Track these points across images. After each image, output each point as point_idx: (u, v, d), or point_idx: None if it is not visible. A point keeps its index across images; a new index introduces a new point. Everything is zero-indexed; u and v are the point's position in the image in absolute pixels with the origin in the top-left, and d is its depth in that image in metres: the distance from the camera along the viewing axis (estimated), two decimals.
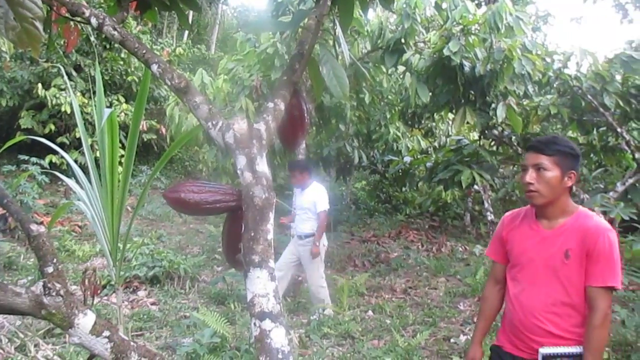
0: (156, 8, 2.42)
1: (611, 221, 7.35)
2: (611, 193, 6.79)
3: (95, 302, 5.07)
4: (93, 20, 1.66)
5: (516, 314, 2.09)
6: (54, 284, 1.16)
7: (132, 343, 1.29)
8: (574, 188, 6.57)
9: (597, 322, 1.92)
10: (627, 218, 4.78)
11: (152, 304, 5.72)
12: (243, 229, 1.37)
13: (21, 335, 4.31)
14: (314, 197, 5.40)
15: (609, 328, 1.99)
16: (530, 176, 1.98)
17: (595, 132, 7.55)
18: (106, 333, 1.24)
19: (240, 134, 1.40)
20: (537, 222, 2.09)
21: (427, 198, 11.39)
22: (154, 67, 1.55)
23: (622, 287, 5.36)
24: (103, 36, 11.60)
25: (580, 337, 1.98)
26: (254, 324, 1.29)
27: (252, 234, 1.34)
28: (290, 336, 4.44)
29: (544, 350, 1.99)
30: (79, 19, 1.81)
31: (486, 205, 11.49)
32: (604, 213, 6.24)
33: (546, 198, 1.99)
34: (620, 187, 6.97)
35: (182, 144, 4.12)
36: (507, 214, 2.31)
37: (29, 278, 6.16)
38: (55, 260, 1.20)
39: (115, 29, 1.62)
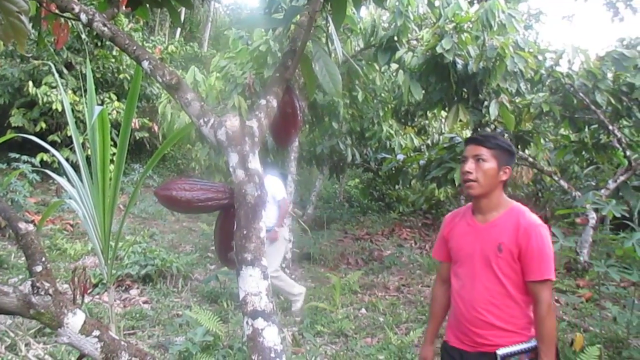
0: (147, 4, 2.40)
1: (603, 218, 7.41)
2: (603, 190, 6.83)
3: (87, 301, 5.04)
4: (83, 17, 1.63)
5: (459, 308, 2.16)
6: (43, 282, 1.14)
7: (122, 342, 1.27)
8: (567, 186, 6.57)
9: (543, 312, 2.01)
10: (619, 215, 4.80)
11: (145, 302, 5.70)
12: (235, 226, 1.36)
13: (12, 335, 4.27)
14: (270, 190, 5.25)
15: (556, 317, 2.10)
16: (470, 166, 2.08)
17: (587, 129, 7.59)
18: (96, 332, 1.22)
19: (233, 131, 1.39)
20: (473, 217, 2.18)
21: (420, 196, 11.41)
22: (145, 64, 1.53)
23: (614, 284, 5.41)
24: (94, 33, 11.52)
25: (519, 329, 2.07)
26: (247, 322, 1.28)
27: (245, 232, 1.33)
28: (283, 334, 4.43)
29: (501, 352, 2.05)
30: (68, 15, 1.78)
31: None
32: (596, 210, 6.28)
33: (482, 188, 2.08)
34: (611, 185, 7.00)
35: (174, 142, 4.11)
36: (448, 214, 2.42)
37: (20, 277, 6.11)
38: (44, 259, 1.19)
39: (105, 25, 1.60)
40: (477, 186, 2.08)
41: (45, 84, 10.96)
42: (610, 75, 6.60)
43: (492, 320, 2.06)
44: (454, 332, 2.22)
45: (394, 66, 7.04)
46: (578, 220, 6.90)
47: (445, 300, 2.36)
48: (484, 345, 2.08)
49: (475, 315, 2.09)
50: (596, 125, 7.38)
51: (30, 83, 10.80)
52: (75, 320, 1.20)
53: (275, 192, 5.42)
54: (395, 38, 5.97)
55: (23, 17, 0.87)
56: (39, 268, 1.17)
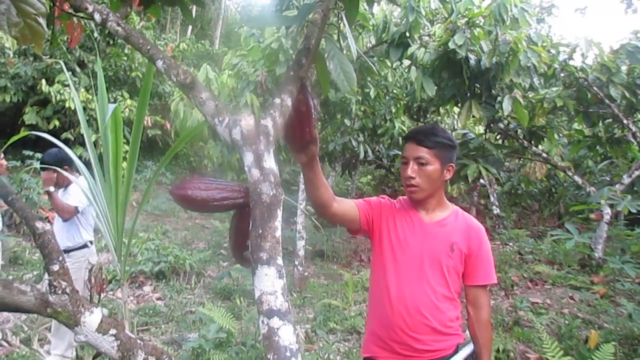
0: (160, 3, 2.40)
1: (617, 214, 7.33)
2: (617, 185, 6.76)
3: (103, 295, 5.09)
4: (97, 16, 1.64)
5: (398, 313, 1.96)
6: (60, 282, 1.15)
7: (138, 341, 1.28)
8: (581, 181, 6.50)
9: (486, 317, 2.02)
10: (634, 211, 4.74)
11: (158, 299, 5.74)
12: (251, 226, 1.36)
13: (26, 329, 4.32)
14: (76, 196, 4.13)
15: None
16: (412, 169, 1.96)
17: (601, 124, 7.51)
18: (113, 331, 1.23)
19: (247, 130, 1.39)
20: (417, 213, 2.05)
21: None
22: (159, 63, 1.53)
23: (629, 280, 5.35)
24: (106, 32, 11.60)
25: (455, 331, 2.01)
26: (262, 321, 1.28)
27: (260, 231, 1.32)
28: (296, 331, 4.44)
29: None
30: (82, 14, 1.79)
31: (492, 199, 11.45)
32: (611, 206, 6.21)
33: (426, 192, 1.99)
34: (626, 180, 6.94)
35: (187, 140, 4.12)
36: (388, 198, 2.16)
37: (34, 273, 6.18)
38: (60, 258, 1.19)
39: (119, 25, 1.60)
40: (420, 191, 1.98)
41: (58, 82, 11.06)
42: (624, 68, 6.53)
43: (435, 325, 1.95)
44: (384, 344, 2.02)
45: (406, 62, 7.00)
46: (592, 215, 6.84)
47: (329, 192, 1.96)
48: (425, 352, 1.96)
49: (421, 320, 1.94)
50: (610, 120, 7.31)
51: (44, 81, 10.90)
52: (92, 318, 1.21)
53: (76, 198, 4.12)
54: (407, 34, 5.92)
55: (40, 19, 0.87)
56: (56, 267, 1.18)
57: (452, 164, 2.01)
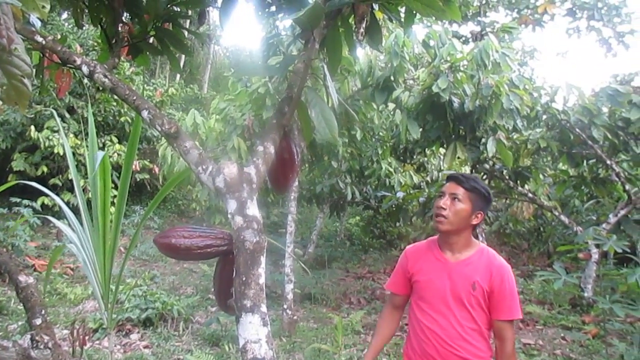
0: (147, 53, 2.46)
1: (606, 253, 7.36)
2: (604, 225, 6.82)
3: (86, 347, 4.97)
4: (84, 68, 1.68)
5: (431, 344, 2.17)
6: (42, 336, 1.14)
7: None
8: (568, 220, 6.52)
9: (510, 349, 2.14)
10: (620, 251, 4.78)
11: (145, 347, 5.62)
12: (234, 273, 1.37)
13: None
14: None
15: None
16: (445, 202, 2.13)
17: (585, 164, 7.63)
18: None
19: (231, 178, 1.41)
20: (442, 253, 2.22)
21: (422, 232, 11.32)
22: (145, 113, 1.56)
23: (620, 320, 5.34)
24: None
25: None
26: None
27: (244, 279, 1.33)
28: None
29: None
30: (70, 66, 1.83)
31: (480, 238, 11.44)
32: (597, 246, 6.25)
33: (452, 226, 2.13)
34: (612, 219, 7.00)
35: (174, 185, 4.12)
36: (409, 247, 2.43)
37: (20, 323, 6.04)
38: (43, 312, 1.19)
39: (106, 77, 1.64)
40: (447, 222, 2.13)
41: (47, 128, 11.08)
42: (605, 110, 6.68)
43: (465, 355, 2.12)
44: None
45: (392, 105, 7.13)
46: (581, 255, 6.87)
47: (394, 323, 2.44)
48: None
49: (450, 351, 2.13)
50: (594, 160, 7.43)
51: (33, 127, 10.91)
52: None
53: None
54: (392, 78, 6.05)
55: (26, 81, 0.90)
56: (38, 321, 1.17)
57: (482, 213, 2.17)
